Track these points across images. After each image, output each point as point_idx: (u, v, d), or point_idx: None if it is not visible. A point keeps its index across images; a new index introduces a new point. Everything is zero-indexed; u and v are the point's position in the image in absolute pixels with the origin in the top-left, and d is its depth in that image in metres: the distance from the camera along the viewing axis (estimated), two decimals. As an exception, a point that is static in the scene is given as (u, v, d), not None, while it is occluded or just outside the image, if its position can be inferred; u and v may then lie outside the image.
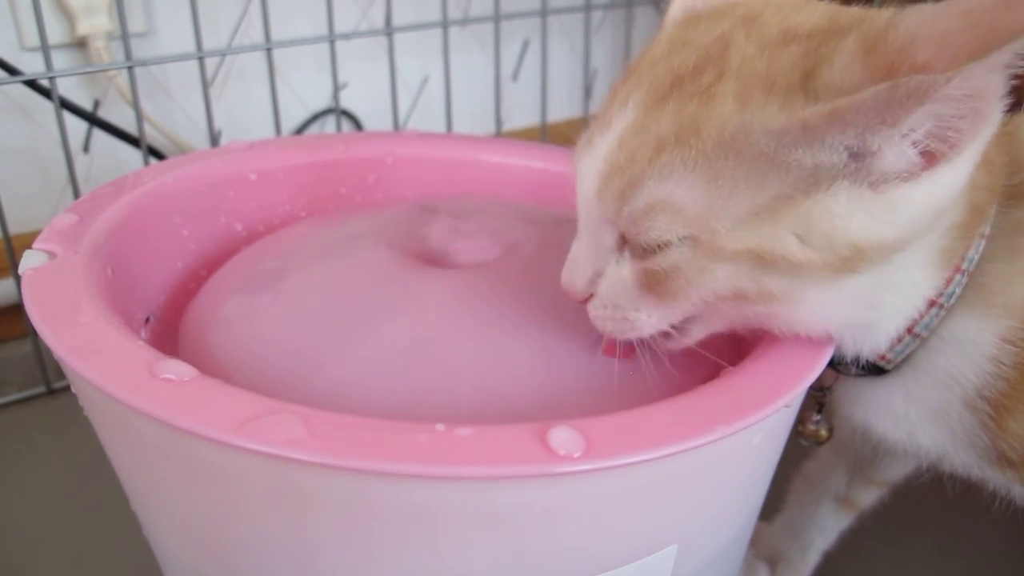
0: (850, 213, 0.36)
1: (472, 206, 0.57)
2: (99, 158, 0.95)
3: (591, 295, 0.42)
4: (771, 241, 0.36)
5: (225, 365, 0.43)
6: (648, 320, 0.40)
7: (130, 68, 0.80)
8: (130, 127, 0.91)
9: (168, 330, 0.51)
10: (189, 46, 0.85)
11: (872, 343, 0.43)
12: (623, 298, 0.41)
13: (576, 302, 0.42)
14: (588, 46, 1.17)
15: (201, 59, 0.84)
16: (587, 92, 1.27)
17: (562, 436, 0.33)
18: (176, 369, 0.35)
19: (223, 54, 0.98)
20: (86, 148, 0.94)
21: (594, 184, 0.39)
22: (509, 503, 0.34)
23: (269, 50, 0.88)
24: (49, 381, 0.85)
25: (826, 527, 0.66)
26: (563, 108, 1.28)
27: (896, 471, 0.63)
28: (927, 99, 0.31)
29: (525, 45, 1.25)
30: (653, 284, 0.39)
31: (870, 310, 0.41)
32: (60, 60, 0.88)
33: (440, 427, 0.32)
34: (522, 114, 1.26)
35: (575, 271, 0.42)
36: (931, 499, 0.62)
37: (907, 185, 0.35)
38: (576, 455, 0.32)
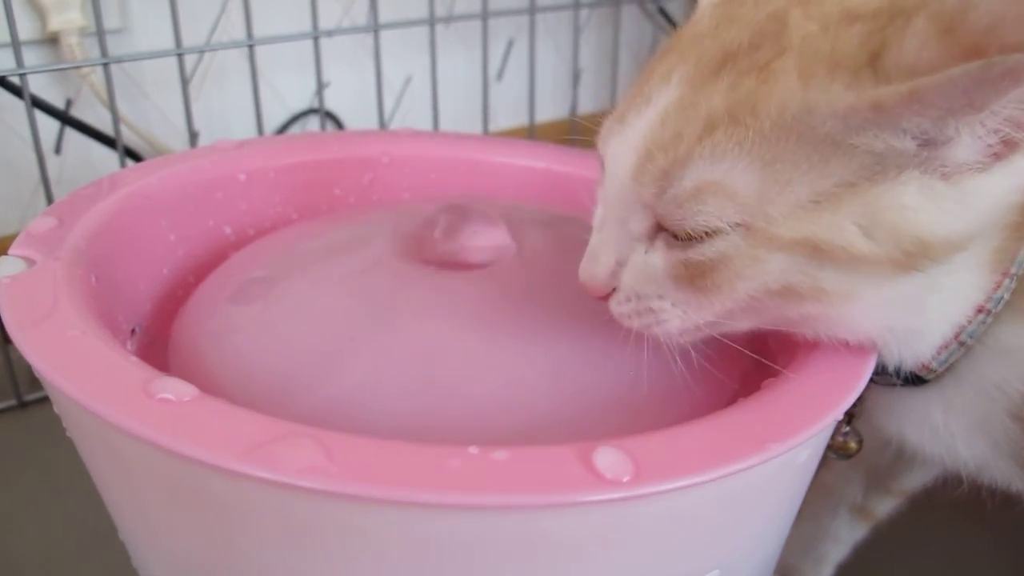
0: (919, 205, 0.33)
1: (476, 206, 0.53)
2: (71, 160, 0.91)
3: (612, 291, 0.39)
4: (831, 231, 0.34)
5: (221, 382, 0.39)
6: (674, 311, 0.37)
7: (106, 65, 0.76)
8: (104, 127, 0.87)
9: (155, 342, 0.47)
10: (165, 43, 0.81)
11: (916, 351, 0.40)
12: (647, 286, 0.38)
13: (595, 297, 0.39)
14: (577, 44, 1.15)
15: (180, 56, 0.80)
16: (574, 92, 1.24)
17: (608, 458, 0.30)
18: (174, 388, 0.31)
19: (203, 51, 0.94)
20: (58, 149, 0.90)
21: (629, 163, 0.36)
22: (547, 532, 0.30)
23: (251, 47, 0.84)
24: (20, 394, 0.81)
25: (841, 538, 0.64)
26: (547, 109, 1.25)
27: (915, 480, 0.61)
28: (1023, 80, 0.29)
29: (510, 44, 1.23)
30: (695, 276, 0.36)
31: (918, 315, 0.38)
32: (30, 57, 0.84)
33: (474, 450, 0.29)
34: (506, 115, 1.24)
35: (596, 262, 0.39)
36: (942, 508, 0.60)
37: (981, 176, 0.33)
38: (625, 479, 0.29)
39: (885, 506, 0.63)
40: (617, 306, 0.39)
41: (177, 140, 0.97)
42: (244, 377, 0.39)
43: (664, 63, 0.37)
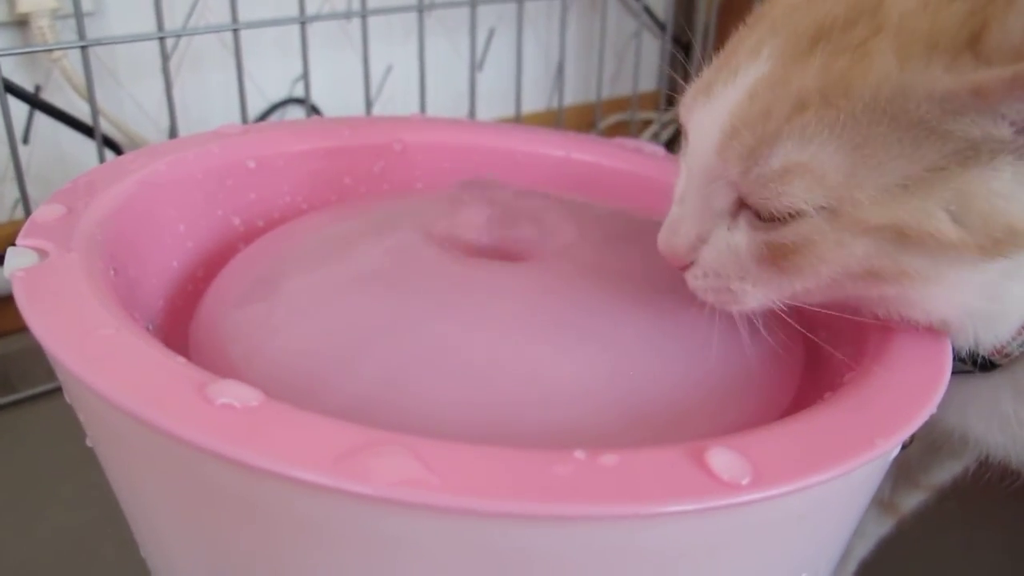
0: (1012, 192, 0.32)
1: (509, 192, 0.50)
2: (40, 150, 0.85)
3: (690, 263, 0.38)
4: (919, 216, 0.32)
5: (262, 384, 0.36)
6: (754, 292, 0.37)
7: (83, 48, 0.71)
8: (74, 116, 0.82)
9: (169, 342, 0.43)
10: (138, 29, 0.76)
11: (995, 333, 0.39)
12: (730, 268, 0.37)
13: (673, 267, 0.39)
14: (564, 36, 1.12)
15: (162, 39, 0.75)
16: (560, 82, 1.22)
17: (723, 459, 0.27)
18: (235, 392, 0.28)
19: (186, 34, 0.90)
20: (26, 139, 0.84)
21: (714, 139, 0.35)
22: (655, 539, 0.28)
23: (236, 31, 0.80)
24: (-12, 401, 0.75)
25: (867, 533, 0.63)
26: (527, 101, 1.22)
27: (944, 474, 0.60)
28: None
29: (491, 34, 1.20)
30: (777, 257, 0.35)
31: (997, 299, 0.37)
32: (-2, 40, 0.79)
33: (580, 454, 0.26)
34: (487, 106, 1.21)
35: (676, 234, 0.38)
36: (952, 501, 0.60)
37: None
38: (744, 481, 0.27)
39: (911, 500, 0.62)
40: (694, 280, 0.38)
41: (151, 130, 0.92)
42: (286, 375, 0.36)
43: (754, 35, 0.36)
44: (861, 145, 0.32)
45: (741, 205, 0.36)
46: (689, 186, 0.37)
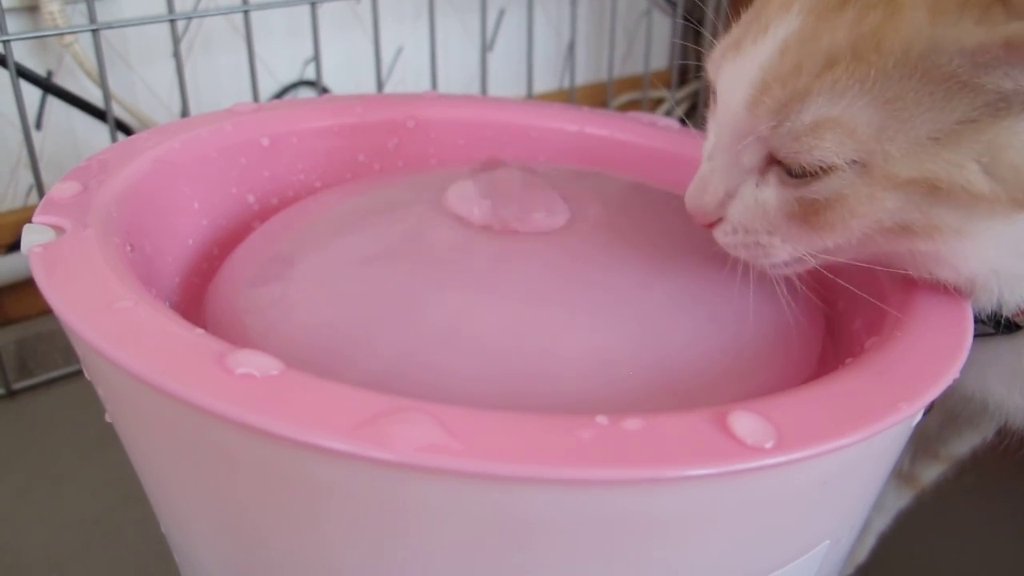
0: None
1: (524, 168, 0.50)
2: (53, 135, 0.86)
3: (718, 220, 0.38)
4: (950, 169, 0.32)
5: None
6: (783, 246, 0.37)
7: (95, 32, 0.71)
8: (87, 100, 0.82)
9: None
10: (148, 12, 0.76)
11: (1019, 294, 0.39)
12: (757, 221, 0.37)
13: (700, 225, 0.39)
14: (574, 14, 1.11)
15: (173, 22, 0.75)
16: (571, 62, 1.21)
17: (746, 424, 0.27)
18: (254, 362, 0.28)
19: (196, 16, 0.89)
20: (38, 124, 0.84)
21: (744, 95, 0.35)
22: (677, 506, 0.28)
23: (246, 13, 0.80)
24: (8, 382, 0.76)
25: (886, 506, 0.62)
26: (538, 81, 1.22)
27: (964, 445, 0.60)
28: None
29: (501, 14, 1.19)
30: (808, 213, 0.35)
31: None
32: (9, 26, 0.78)
33: (603, 419, 0.26)
34: (498, 87, 1.20)
35: (705, 191, 0.38)
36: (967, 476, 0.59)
37: None
38: (767, 445, 0.26)
39: (931, 472, 0.61)
40: (724, 236, 0.38)
41: (163, 113, 0.92)
42: (303, 351, 0.36)
43: None
44: (892, 100, 0.32)
45: (770, 161, 0.36)
46: (718, 143, 0.37)
